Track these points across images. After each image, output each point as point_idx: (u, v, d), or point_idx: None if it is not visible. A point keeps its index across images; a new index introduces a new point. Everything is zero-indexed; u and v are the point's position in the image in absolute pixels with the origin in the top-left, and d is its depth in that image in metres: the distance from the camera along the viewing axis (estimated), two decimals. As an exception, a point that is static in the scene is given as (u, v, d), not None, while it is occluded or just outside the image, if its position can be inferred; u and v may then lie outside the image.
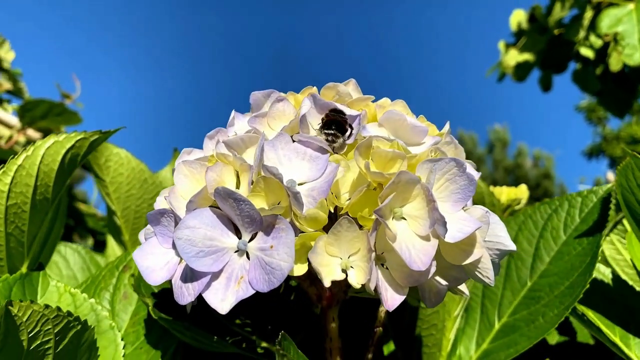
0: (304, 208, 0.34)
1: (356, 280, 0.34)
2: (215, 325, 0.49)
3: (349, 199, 0.36)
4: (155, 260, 0.38)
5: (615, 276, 0.69)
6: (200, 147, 0.45)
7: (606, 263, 0.82)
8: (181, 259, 0.38)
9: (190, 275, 0.36)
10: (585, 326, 0.62)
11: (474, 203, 0.78)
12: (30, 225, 0.54)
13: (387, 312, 0.60)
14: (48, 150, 0.54)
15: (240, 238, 0.36)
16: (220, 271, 0.36)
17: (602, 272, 0.70)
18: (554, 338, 0.91)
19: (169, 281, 0.38)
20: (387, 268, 0.35)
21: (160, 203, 0.40)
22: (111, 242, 0.93)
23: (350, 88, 0.44)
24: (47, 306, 0.36)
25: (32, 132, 1.85)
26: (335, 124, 0.40)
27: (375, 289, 0.34)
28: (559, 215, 0.66)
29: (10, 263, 0.54)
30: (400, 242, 0.34)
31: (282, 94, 0.44)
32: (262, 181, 0.35)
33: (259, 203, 0.36)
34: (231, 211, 0.35)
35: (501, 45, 2.28)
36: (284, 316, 0.53)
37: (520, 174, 11.94)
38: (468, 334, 0.65)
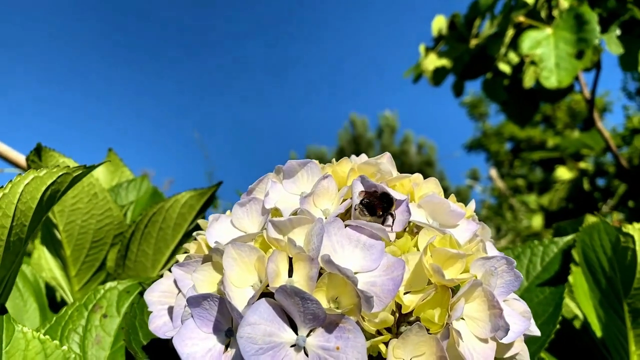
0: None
1: (422, 384, 0.34)
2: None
3: (405, 293, 0.36)
4: (196, 347, 0.36)
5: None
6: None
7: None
8: (226, 346, 0.36)
9: (242, 369, 0.34)
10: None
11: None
12: (1, 268, 0.49)
13: None
14: (27, 187, 0.48)
15: (295, 331, 0.35)
16: (276, 366, 0.34)
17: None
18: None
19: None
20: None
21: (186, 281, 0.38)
22: (43, 252, 0.86)
23: (385, 160, 0.44)
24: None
25: None
26: (367, 206, 0.39)
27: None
28: (521, 262, 0.69)
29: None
30: (463, 345, 0.35)
31: (317, 162, 0.43)
32: (327, 277, 0.34)
33: (321, 298, 0.34)
34: (292, 307, 0.34)
35: (422, 48, 2.34)
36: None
37: (405, 160, 12.46)
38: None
